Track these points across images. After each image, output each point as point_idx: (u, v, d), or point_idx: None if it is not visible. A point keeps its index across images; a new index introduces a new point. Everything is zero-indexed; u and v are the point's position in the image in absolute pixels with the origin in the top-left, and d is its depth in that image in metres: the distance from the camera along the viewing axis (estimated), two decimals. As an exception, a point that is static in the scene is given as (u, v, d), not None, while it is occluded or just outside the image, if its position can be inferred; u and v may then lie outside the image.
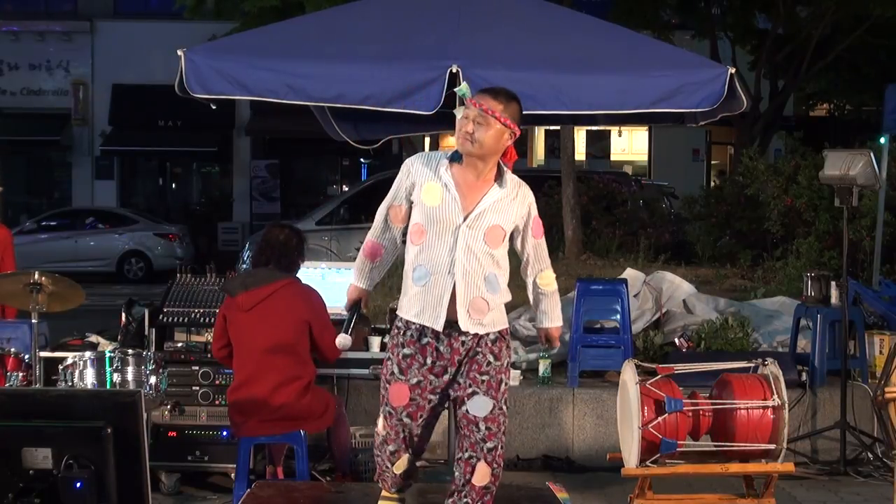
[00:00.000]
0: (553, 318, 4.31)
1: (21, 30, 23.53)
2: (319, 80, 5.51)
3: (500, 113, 3.96)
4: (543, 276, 4.25)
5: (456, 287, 3.95)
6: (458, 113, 4.06)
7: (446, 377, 4.01)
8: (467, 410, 3.97)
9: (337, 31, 5.94)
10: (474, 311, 3.97)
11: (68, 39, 23.60)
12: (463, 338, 3.98)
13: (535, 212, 4.15)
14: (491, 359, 4.00)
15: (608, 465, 5.76)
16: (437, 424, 4.22)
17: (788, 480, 6.13)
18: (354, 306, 4.23)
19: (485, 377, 3.97)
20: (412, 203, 4.07)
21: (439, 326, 3.96)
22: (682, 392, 5.02)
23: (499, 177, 4.05)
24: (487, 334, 4.02)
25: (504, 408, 4.01)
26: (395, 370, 4.03)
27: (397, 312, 4.13)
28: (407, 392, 4.00)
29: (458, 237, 3.96)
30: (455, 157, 4.03)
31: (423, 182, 4.03)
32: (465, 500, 4.01)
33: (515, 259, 4.24)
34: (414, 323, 4.01)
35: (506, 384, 4.05)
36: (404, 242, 4.17)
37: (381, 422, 4.13)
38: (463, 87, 4.26)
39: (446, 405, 4.16)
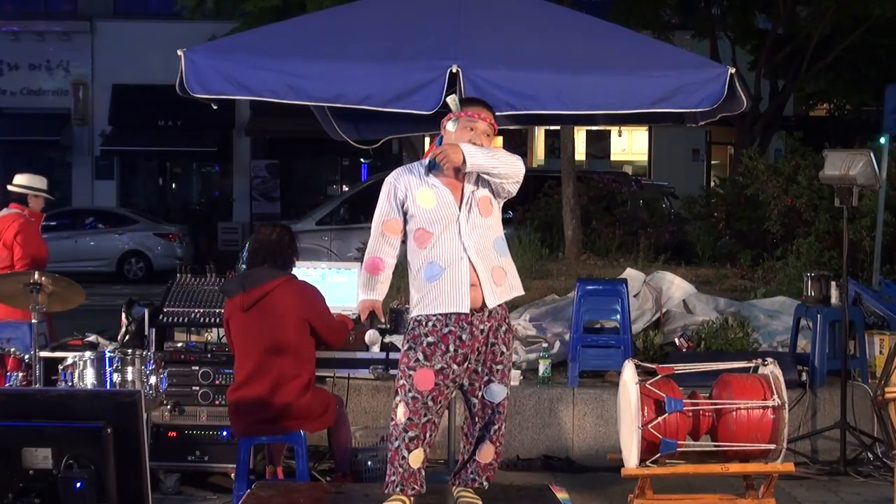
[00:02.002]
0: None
1: (21, 30, 23.54)
2: (319, 80, 5.51)
3: (492, 121, 4.32)
4: None
5: (475, 268, 4.21)
6: (452, 126, 4.30)
7: (466, 364, 4.26)
8: (483, 396, 4.31)
9: (337, 31, 5.94)
10: (498, 279, 4.26)
11: (68, 39, 23.61)
12: (482, 326, 4.23)
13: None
14: (504, 349, 4.31)
15: (608, 465, 5.77)
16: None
17: (788, 480, 6.13)
18: (371, 316, 4.41)
19: (499, 366, 4.30)
20: (405, 214, 4.32)
21: (466, 308, 4.20)
22: (682, 392, 5.02)
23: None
24: (500, 326, 4.28)
25: (509, 392, 4.38)
26: (420, 357, 4.23)
27: (411, 315, 4.31)
28: (432, 377, 4.21)
29: (461, 226, 4.23)
30: (434, 166, 4.29)
31: (414, 190, 4.29)
32: (471, 475, 4.38)
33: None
34: (434, 315, 4.21)
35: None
36: (402, 244, 4.40)
37: (401, 409, 4.24)
38: (455, 101, 4.45)
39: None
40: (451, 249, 4.22)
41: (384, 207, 4.36)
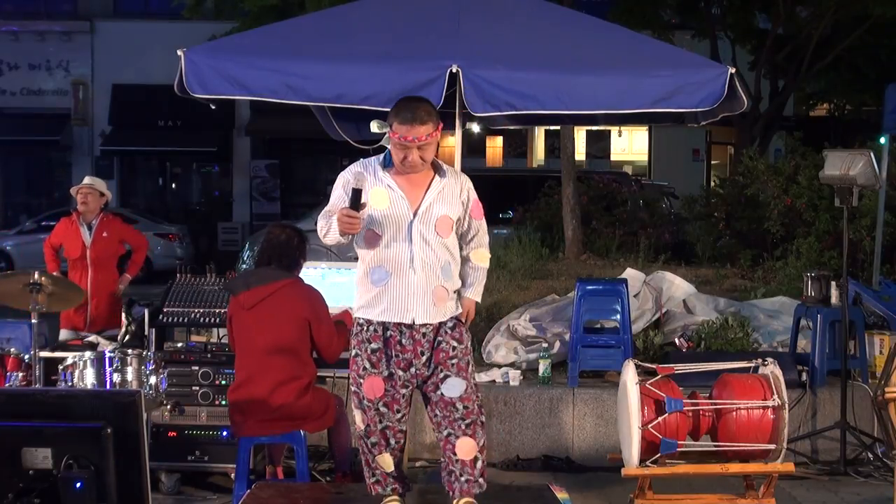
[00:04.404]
0: (476, 290, 4.41)
1: (21, 30, 23.51)
2: (319, 80, 5.51)
3: (433, 130, 4.10)
4: (477, 253, 4.38)
5: (416, 280, 4.13)
6: (387, 143, 4.22)
7: (412, 370, 4.18)
8: (442, 394, 4.15)
9: (337, 31, 5.94)
10: (438, 300, 4.18)
11: (68, 39, 23.59)
12: (424, 329, 4.15)
13: (473, 195, 4.33)
14: (455, 343, 4.21)
15: (608, 465, 5.77)
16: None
17: (788, 480, 6.13)
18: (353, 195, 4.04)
19: (453, 360, 4.19)
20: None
21: (409, 320, 4.13)
22: (682, 392, 5.02)
23: (437, 169, 4.25)
24: (445, 323, 4.21)
25: (473, 385, 4.22)
26: (367, 365, 4.19)
27: (356, 315, 4.27)
28: (381, 384, 4.17)
29: (413, 232, 4.14)
30: (390, 163, 4.20)
31: (368, 188, 4.15)
32: (464, 480, 4.18)
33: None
34: (374, 321, 4.17)
35: (472, 364, 4.27)
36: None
37: (358, 417, 4.27)
38: (378, 123, 4.39)
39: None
40: (398, 256, 4.14)
41: (339, 199, 4.16)
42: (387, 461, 4.27)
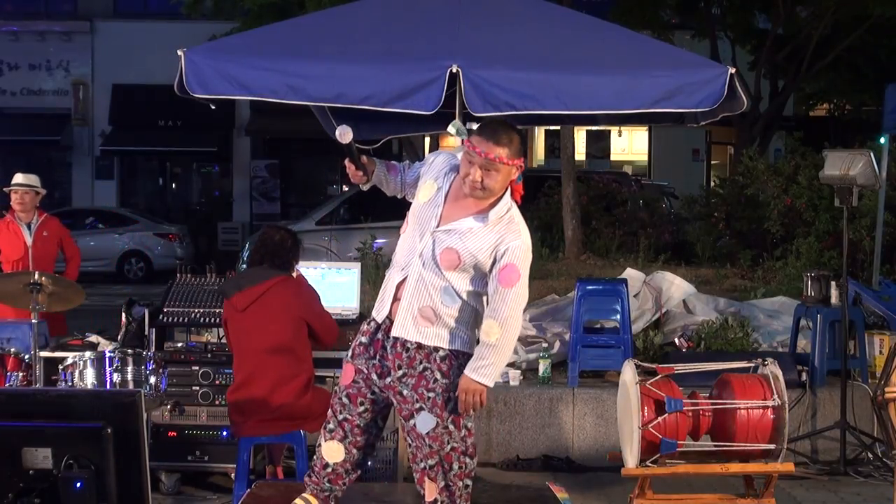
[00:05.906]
0: (475, 367, 3.82)
1: (21, 30, 23.52)
2: (319, 80, 5.52)
3: (507, 157, 3.77)
4: (486, 324, 3.85)
5: (405, 288, 3.88)
6: (455, 140, 4.02)
7: (388, 380, 3.92)
8: (415, 425, 3.90)
9: (337, 31, 5.95)
10: (422, 318, 3.86)
11: (68, 39, 23.60)
12: (409, 345, 3.87)
13: (511, 259, 3.82)
14: (438, 376, 3.86)
15: (608, 465, 5.77)
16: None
17: (788, 480, 6.13)
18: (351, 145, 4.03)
19: (431, 394, 3.86)
20: (415, 183, 4.07)
21: (380, 318, 3.95)
22: (682, 392, 5.02)
23: (492, 211, 3.85)
24: (437, 350, 3.87)
25: (451, 427, 3.89)
26: (349, 354, 4.04)
27: None
28: (352, 373, 3.99)
29: (426, 242, 3.86)
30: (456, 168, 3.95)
31: (428, 178, 3.99)
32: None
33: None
34: (377, 319, 3.99)
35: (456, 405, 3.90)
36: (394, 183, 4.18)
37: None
38: (456, 126, 4.26)
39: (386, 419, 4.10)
40: (405, 255, 3.93)
41: (418, 164, 4.14)
42: (332, 449, 3.99)
